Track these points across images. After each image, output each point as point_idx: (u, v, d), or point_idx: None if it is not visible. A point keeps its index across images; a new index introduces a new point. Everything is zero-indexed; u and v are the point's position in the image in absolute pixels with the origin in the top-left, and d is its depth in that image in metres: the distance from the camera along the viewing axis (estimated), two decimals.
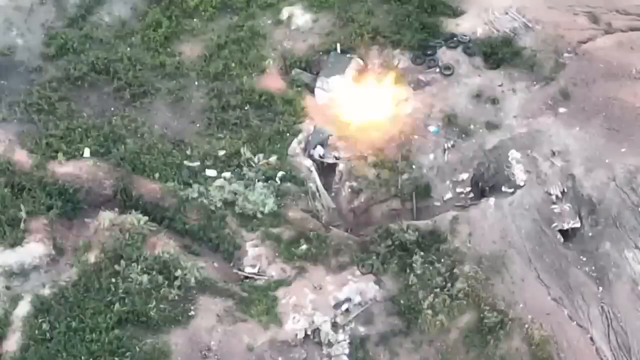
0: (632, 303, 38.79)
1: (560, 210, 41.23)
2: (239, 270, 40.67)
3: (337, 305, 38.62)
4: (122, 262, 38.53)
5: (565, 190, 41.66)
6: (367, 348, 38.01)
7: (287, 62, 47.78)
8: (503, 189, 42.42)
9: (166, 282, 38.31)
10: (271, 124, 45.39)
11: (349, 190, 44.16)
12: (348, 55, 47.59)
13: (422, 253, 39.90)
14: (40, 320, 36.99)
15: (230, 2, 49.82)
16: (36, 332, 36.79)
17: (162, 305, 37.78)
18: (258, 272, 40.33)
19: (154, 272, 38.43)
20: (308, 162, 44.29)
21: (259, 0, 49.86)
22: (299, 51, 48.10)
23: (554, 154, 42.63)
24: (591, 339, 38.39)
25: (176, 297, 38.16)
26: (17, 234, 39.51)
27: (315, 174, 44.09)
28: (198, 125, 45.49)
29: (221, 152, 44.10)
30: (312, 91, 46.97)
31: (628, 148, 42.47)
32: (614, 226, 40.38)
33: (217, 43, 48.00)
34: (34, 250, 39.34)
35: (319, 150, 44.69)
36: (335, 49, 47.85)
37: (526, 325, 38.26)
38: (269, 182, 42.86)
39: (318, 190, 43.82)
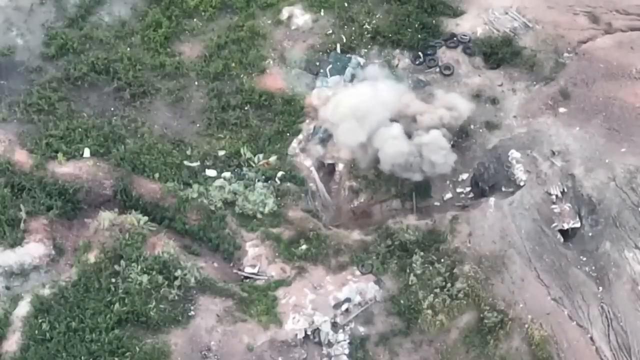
0: (632, 303, 38.77)
1: (560, 210, 41.20)
2: (239, 270, 40.68)
3: (337, 305, 38.61)
4: (122, 262, 38.55)
5: (565, 190, 41.62)
6: (367, 348, 38.00)
7: (287, 62, 47.81)
8: (503, 189, 42.40)
9: (166, 282, 38.32)
10: (271, 124, 45.43)
11: (349, 190, 44.15)
12: (348, 55, 47.58)
13: (422, 253, 39.91)
14: (40, 320, 37.02)
15: (230, 2, 49.76)
16: (36, 332, 36.81)
17: (162, 305, 37.79)
18: (258, 272, 40.33)
19: (154, 272, 38.43)
20: (308, 162, 44.31)
21: (259, 0, 49.82)
22: (299, 51, 48.08)
23: (554, 154, 42.59)
24: (591, 339, 38.39)
25: (176, 297, 38.17)
26: (17, 234, 39.54)
27: (315, 174, 44.09)
28: (198, 125, 45.49)
29: (221, 152, 44.12)
30: (312, 91, 46.95)
31: (628, 148, 42.43)
32: (614, 226, 40.35)
33: (217, 43, 47.97)
34: (34, 250, 39.35)
35: (318, 150, 44.70)
36: (335, 49, 47.84)
37: (526, 325, 38.28)
38: (269, 182, 42.90)
39: (318, 190, 43.83)
